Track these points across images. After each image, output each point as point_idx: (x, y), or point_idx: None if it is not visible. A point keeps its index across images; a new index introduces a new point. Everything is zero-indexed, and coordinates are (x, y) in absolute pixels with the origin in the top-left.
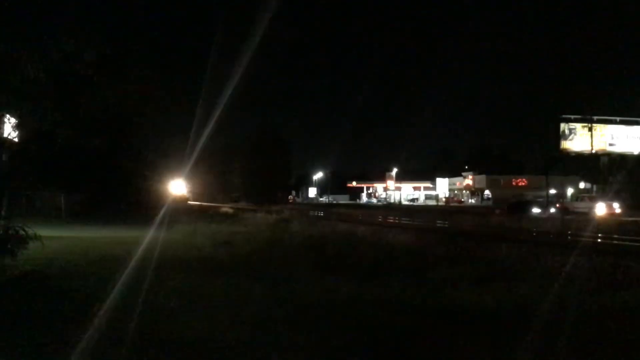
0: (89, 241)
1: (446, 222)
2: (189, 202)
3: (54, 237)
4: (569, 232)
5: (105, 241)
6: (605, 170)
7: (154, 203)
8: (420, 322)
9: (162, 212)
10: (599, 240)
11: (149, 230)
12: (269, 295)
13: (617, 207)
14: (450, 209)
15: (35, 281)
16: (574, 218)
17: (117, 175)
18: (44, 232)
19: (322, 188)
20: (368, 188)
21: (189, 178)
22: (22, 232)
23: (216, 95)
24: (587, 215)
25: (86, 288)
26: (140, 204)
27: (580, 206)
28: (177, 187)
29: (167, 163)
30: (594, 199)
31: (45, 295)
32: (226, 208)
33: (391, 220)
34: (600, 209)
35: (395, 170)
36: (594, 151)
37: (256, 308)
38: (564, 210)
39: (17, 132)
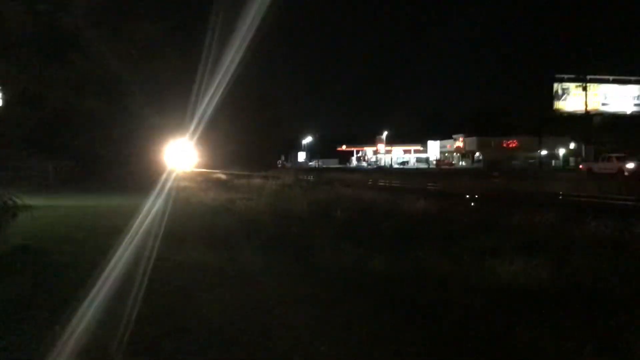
0: (82, 211)
1: (448, 186)
2: (186, 169)
3: (43, 207)
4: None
5: (99, 211)
6: (598, 130)
7: (148, 170)
8: (468, 301)
9: (156, 179)
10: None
11: (144, 199)
12: (287, 270)
13: None
14: (444, 172)
15: (26, 257)
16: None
17: (111, 139)
18: (33, 201)
19: (312, 152)
20: (358, 152)
21: (187, 146)
22: (10, 202)
23: (217, 57)
24: (618, 176)
25: (84, 263)
26: (134, 171)
27: (607, 167)
28: (175, 154)
29: (167, 128)
30: (622, 159)
31: (39, 272)
32: (218, 174)
33: (391, 184)
34: (630, 169)
35: (385, 133)
36: (587, 111)
37: (276, 284)
38: (588, 171)
39: (1, 96)
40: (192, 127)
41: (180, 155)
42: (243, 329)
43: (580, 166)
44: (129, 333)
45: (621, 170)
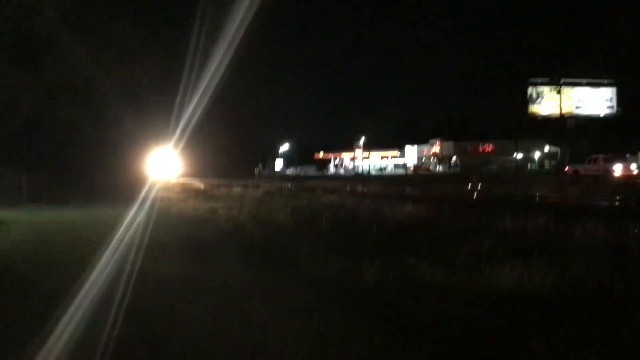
0: (58, 224)
1: (430, 192)
2: (169, 179)
3: (17, 221)
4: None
5: (75, 224)
6: (572, 133)
7: (129, 179)
8: (470, 312)
9: (137, 189)
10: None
11: (123, 210)
12: (273, 283)
13: (634, 168)
14: (422, 178)
15: None
16: None
17: (88, 148)
18: (5, 215)
19: (289, 160)
20: (335, 159)
21: (171, 156)
22: None
23: (198, 68)
24: (605, 177)
25: (60, 280)
26: (114, 181)
27: (594, 169)
28: (157, 163)
29: (148, 137)
30: (609, 161)
31: (11, 290)
32: (199, 183)
33: (371, 191)
34: (618, 170)
35: (363, 139)
36: (561, 114)
37: (263, 299)
38: (574, 173)
39: None
40: (175, 137)
41: (163, 165)
42: (231, 350)
43: (566, 168)
44: (112, 355)
45: (608, 172)
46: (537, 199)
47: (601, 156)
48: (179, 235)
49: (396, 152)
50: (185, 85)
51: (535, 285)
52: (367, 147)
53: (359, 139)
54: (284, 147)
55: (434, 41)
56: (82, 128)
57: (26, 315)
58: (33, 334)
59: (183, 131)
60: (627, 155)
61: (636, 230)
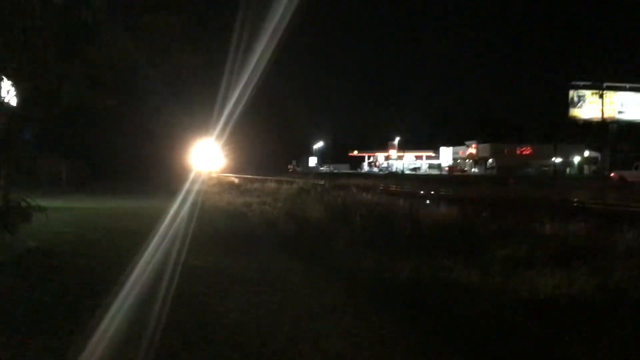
0: (97, 213)
1: (465, 192)
2: (211, 172)
3: (57, 208)
4: None
5: (113, 213)
6: (614, 138)
7: (169, 172)
8: (509, 317)
9: (178, 181)
10: None
11: (156, 202)
12: (308, 278)
13: None
14: (458, 179)
15: (39, 260)
16: None
17: (129, 138)
18: (46, 203)
19: (323, 157)
20: (369, 157)
21: (213, 149)
22: (23, 204)
23: (242, 61)
24: None
25: (99, 268)
26: (154, 173)
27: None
28: (200, 156)
29: (190, 129)
30: None
31: (51, 278)
32: (237, 178)
33: (405, 190)
34: None
35: (397, 139)
36: (603, 119)
37: (298, 293)
38: (620, 179)
39: (15, 93)
40: (216, 131)
41: (204, 158)
42: (267, 343)
43: (612, 174)
44: (150, 343)
45: None
46: (578, 204)
47: None
48: (216, 228)
49: (431, 153)
50: (228, 80)
51: (576, 292)
52: (402, 147)
53: (393, 139)
54: (318, 145)
55: (472, 42)
56: (123, 118)
57: (69, 300)
58: (77, 323)
59: (224, 126)
60: None
61: None
